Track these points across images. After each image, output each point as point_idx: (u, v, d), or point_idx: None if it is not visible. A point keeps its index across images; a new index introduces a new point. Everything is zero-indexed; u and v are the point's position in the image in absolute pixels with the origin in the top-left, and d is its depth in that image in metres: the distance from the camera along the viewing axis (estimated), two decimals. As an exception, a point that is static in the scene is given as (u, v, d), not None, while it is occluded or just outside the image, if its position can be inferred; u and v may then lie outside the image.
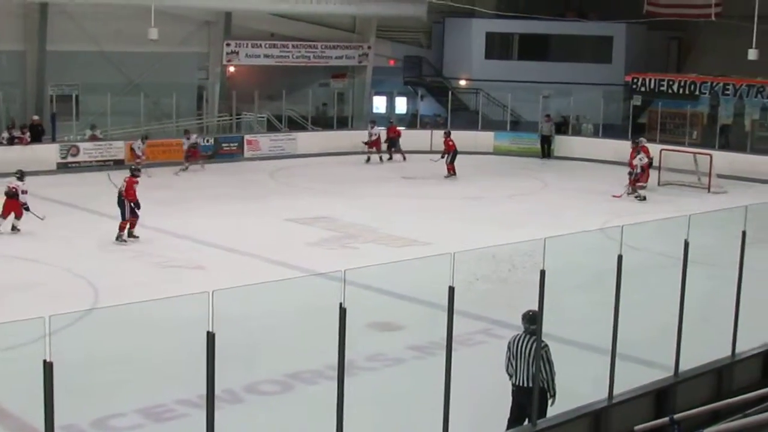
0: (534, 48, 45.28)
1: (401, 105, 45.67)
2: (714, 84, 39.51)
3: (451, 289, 9.70)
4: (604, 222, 24.20)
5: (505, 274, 18.45)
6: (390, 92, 44.55)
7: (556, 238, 10.75)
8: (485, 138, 38.89)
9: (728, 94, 39.20)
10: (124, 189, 22.92)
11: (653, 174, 31.88)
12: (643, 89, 41.14)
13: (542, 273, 10.53)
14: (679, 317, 12.72)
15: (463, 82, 44.48)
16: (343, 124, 40.60)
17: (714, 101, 39.56)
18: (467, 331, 14.98)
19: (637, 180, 30.57)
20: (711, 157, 32.88)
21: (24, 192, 23.33)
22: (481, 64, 44.26)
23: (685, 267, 12.61)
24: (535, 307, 10.84)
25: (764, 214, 17.86)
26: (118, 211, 23.02)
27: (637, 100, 40.96)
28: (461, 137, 36.38)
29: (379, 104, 44.96)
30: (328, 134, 39.46)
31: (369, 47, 42.80)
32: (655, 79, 41.05)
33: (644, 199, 30.09)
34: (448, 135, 34.12)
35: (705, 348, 13.80)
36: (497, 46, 45.50)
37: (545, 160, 38.42)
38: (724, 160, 34.35)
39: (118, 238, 22.61)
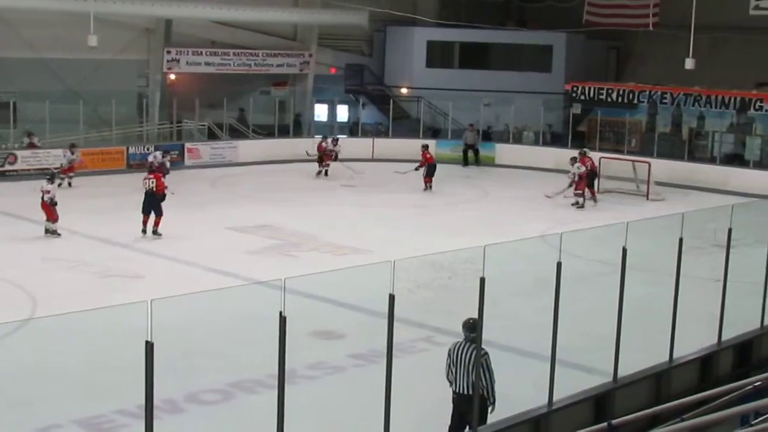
0: (475, 57, 45.35)
1: (343, 113, 45.49)
2: (652, 93, 40.08)
3: (392, 297, 9.71)
4: (545, 229, 24.36)
5: (445, 281, 18.56)
6: (331, 100, 44.34)
7: (497, 246, 10.87)
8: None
9: (666, 103, 39.75)
10: (155, 186, 24.16)
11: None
12: (582, 98, 41.62)
13: (482, 280, 10.58)
14: (618, 324, 12.87)
15: (404, 90, 44.47)
16: (284, 132, 40.50)
17: (652, 110, 40.04)
18: (408, 338, 14.99)
19: (574, 187, 30.84)
20: (649, 165, 33.27)
21: (47, 192, 23.72)
22: (423, 72, 44.32)
23: (623, 274, 12.76)
24: (476, 315, 10.85)
25: (700, 221, 17.86)
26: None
27: (576, 109, 41.44)
28: (402, 146, 36.78)
29: (321, 112, 44.86)
30: (270, 142, 39.34)
31: (310, 55, 42.68)
32: (594, 88, 41.55)
33: (581, 206, 30.36)
34: (426, 148, 33.96)
35: (643, 354, 14.02)
36: (438, 55, 45.52)
37: (471, 168, 38.79)
38: (662, 167, 34.78)
39: (154, 231, 24.07)
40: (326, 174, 35.31)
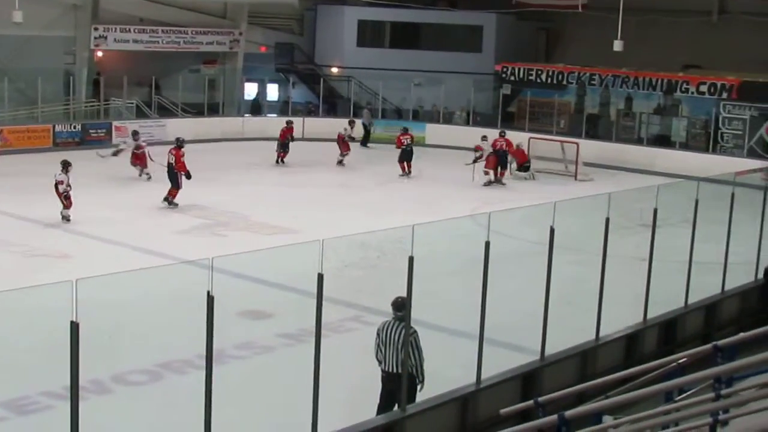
0: (405, 36, 45.32)
1: (273, 92, 45.39)
2: (581, 74, 40.47)
3: (320, 276, 9.70)
4: (474, 209, 24.41)
5: (374, 261, 18.60)
6: (262, 79, 44.15)
7: (425, 225, 10.84)
8: (357, 126, 38.26)
9: (594, 84, 40.15)
10: (174, 161, 25.57)
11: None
12: (512, 78, 41.97)
13: (411, 260, 10.59)
14: (545, 303, 13.00)
15: (335, 70, 44.34)
16: (214, 110, 40.22)
17: (581, 91, 40.35)
18: (337, 318, 15.04)
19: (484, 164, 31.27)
20: (578, 146, 33.71)
21: (61, 182, 23.44)
22: (353, 51, 44.08)
23: (551, 253, 12.87)
24: (405, 294, 10.90)
25: (627, 201, 17.87)
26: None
27: (506, 89, 41.78)
28: (333, 125, 36.36)
29: (251, 91, 44.56)
30: (200, 121, 39.01)
31: (240, 33, 42.34)
32: (524, 69, 41.87)
33: (488, 184, 30.83)
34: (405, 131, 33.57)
35: (571, 332, 14.18)
36: (369, 34, 45.37)
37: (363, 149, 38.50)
38: (590, 148, 35.14)
39: (170, 202, 25.40)
40: (342, 164, 34.38)
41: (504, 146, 32.04)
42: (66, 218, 23.33)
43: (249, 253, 13.73)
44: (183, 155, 25.87)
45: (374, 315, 12.14)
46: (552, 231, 12.81)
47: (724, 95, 36.48)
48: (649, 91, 38.67)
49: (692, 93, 37.48)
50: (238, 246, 19.50)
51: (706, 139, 36.96)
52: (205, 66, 43.05)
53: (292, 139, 34.68)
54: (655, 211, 14.96)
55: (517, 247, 19.02)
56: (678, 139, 37.46)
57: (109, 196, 26.42)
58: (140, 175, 28.97)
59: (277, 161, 33.94)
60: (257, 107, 43.14)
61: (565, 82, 40.68)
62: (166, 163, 26.17)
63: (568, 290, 15.78)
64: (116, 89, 37.98)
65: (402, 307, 11.21)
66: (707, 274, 17.10)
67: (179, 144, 26.40)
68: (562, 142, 34.75)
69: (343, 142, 34.61)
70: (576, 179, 33.03)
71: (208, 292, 8.77)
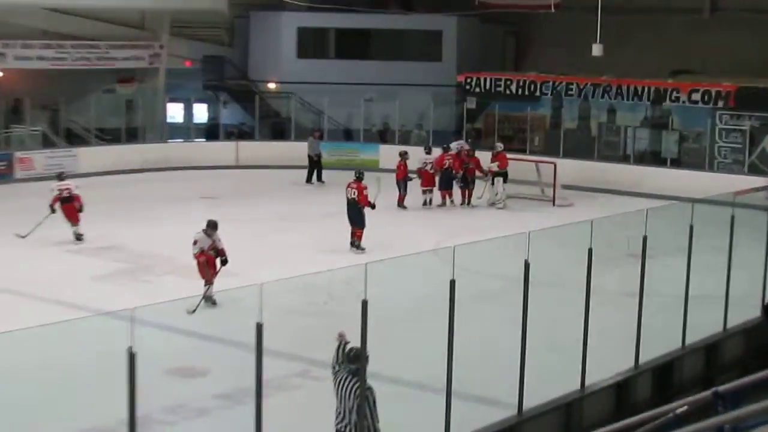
0: (353, 45, 45.07)
1: (201, 113, 44.76)
2: (556, 83, 40.34)
3: (259, 326, 9.69)
4: (436, 243, 24.37)
5: (322, 306, 18.52)
6: (187, 98, 43.37)
7: (381, 263, 11.11)
8: (299, 149, 37.92)
9: (572, 95, 40.04)
10: (357, 196, 25.81)
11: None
12: (477, 90, 41.71)
13: (364, 304, 10.60)
14: (522, 348, 13.07)
15: (272, 86, 44.00)
16: (132, 136, 39.90)
17: (557, 103, 40.30)
18: (281, 374, 14.96)
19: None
20: (555, 166, 33.57)
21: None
22: (293, 64, 43.74)
23: (527, 291, 12.94)
24: (358, 343, 10.90)
25: (612, 228, 17.93)
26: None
27: (471, 103, 41.57)
28: (271, 149, 36.74)
29: (175, 113, 44.01)
30: (116, 149, 38.78)
31: (161, 46, 41.97)
32: (491, 79, 41.63)
33: (428, 204, 31.58)
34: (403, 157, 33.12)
35: (552, 381, 14.26)
36: (311, 44, 45.24)
37: (313, 185, 37.10)
38: (569, 168, 35.06)
39: (357, 246, 25.64)
40: (430, 202, 32.80)
41: (451, 164, 32.29)
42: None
43: (177, 302, 13.61)
44: (365, 188, 25.94)
45: (323, 369, 12.07)
46: (527, 265, 12.84)
47: (720, 104, 36.42)
48: (634, 101, 38.55)
49: (684, 102, 37.42)
50: (164, 293, 19.34)
51: (701, 155, 36.79)
52: (121, 85, 42.51)
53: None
54: (645, 238, 15.04)
55: (488, 285, 19.03)
56: (669, 156, 37.49)
57: (9, 238, 25.98)
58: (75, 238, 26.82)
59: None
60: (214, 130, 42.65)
61: (538, 93, 40.55)
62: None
63: (548, 332, 15.73)
64: (17, 114, 37.59)
65: (356, 359, 11.15)
66: (706, 310, 17.22)
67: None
68: (536, 162, 34.68)
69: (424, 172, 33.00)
70: (554, 204, 33.02)
71: (130, 349, 8.72)
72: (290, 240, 26.91)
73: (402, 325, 16.66)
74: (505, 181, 32.94)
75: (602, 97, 39.47)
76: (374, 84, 41.70)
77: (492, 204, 32.63)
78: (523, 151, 37.80)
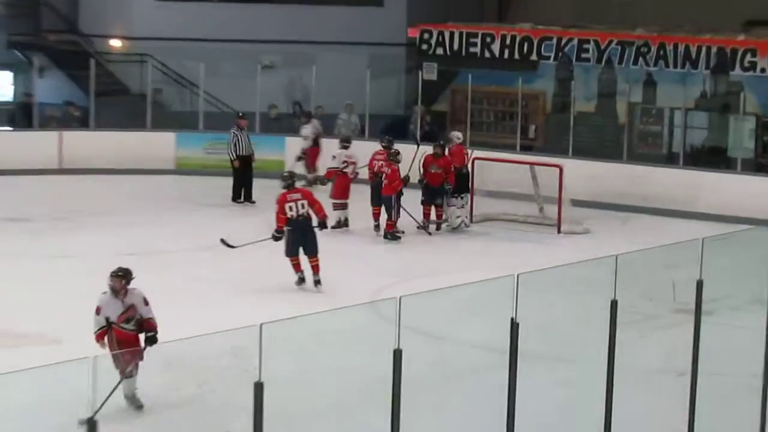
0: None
1: (5, 85, 38.83)
2: (563, 41, 34.06)
3: (92, 424, 8.21)
4: (376, 290, 21.29)
5: (194, 389, 16.31)
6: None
7: (284, 323, 9.46)
8: (161, 143, 32.33)
9: (587, 60, 33.83)
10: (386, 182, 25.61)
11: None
12: (440, 52, 35.41)
13: (258, 387, 8.92)
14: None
15: (117, 43, 38.33)
16: None
17: (563, 73, 33.78)
18: None
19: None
20: (561, 171, 28.07)
21: None
22: (151, 11, 36.75)
23: (514, 365, 11.08)
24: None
25: (648, 267, 16.42)
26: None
27: (430, 72, 35.25)
28: (117, 144, 31.99)
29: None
30: None
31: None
32: (460, 34, 35.12)
33: (339, 226, 26.89)
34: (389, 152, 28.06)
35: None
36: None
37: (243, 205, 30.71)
38: (583, 174, 29.92)
39: (393, 236, 25.28)
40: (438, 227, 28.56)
41: (383, 167, 26.70)
42: None
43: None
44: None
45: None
46: (514, 326, 10.83)
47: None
48: (685, 69, 32.16)
49: (763, 71, 31.22)
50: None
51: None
52: None
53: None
54: (699, 284, 12.70)
55: (454, 357, 17.10)
56: (740, 155, 31.18)
57: None
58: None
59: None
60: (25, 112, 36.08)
61: (534, 57, 34.06)
62: None
63: (551, 428, 14.01)
64: None
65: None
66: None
67: None
68: (531, 164, 28.99)
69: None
70: (559, 231, 27.51)
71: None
72: (147, 285, 19.98)
73: (319, 417, 14.22)
74: (465, 189, 27.95)
75: (635, 62, 33.13)
76: (278, 41, 35.95)
77: (455, 228, 27.90)
78: (512, 148, 31.99)
